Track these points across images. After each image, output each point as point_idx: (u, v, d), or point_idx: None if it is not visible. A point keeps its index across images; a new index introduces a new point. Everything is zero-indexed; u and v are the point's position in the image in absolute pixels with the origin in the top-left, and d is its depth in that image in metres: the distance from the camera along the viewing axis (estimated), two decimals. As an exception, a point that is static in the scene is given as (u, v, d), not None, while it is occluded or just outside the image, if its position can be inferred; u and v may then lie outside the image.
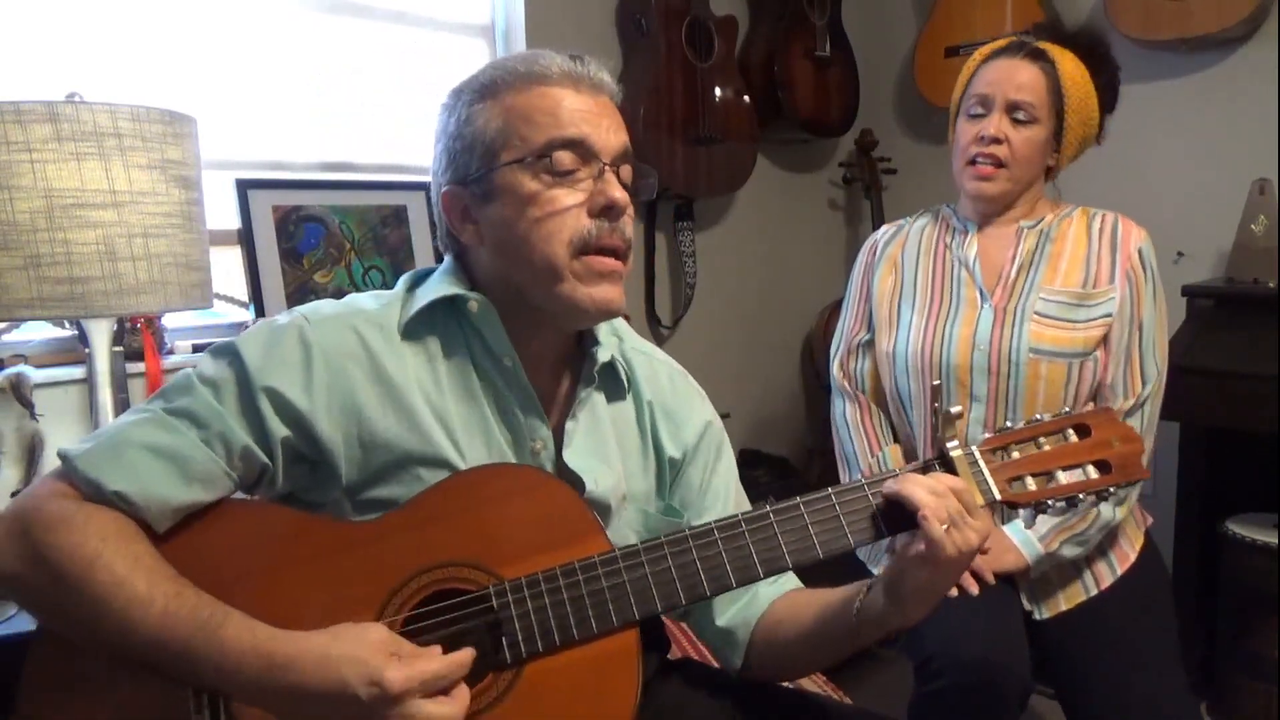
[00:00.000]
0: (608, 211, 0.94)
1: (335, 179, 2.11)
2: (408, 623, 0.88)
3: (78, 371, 1.68)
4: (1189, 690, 1.44)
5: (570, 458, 1.00)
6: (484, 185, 0.96)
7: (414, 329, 0.99)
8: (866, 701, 1.23)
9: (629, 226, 0.97)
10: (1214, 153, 2.43)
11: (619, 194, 0.94)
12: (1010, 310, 1.52)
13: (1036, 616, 1.50)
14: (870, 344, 1.67)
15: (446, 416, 0.96)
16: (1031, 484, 0.95)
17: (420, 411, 0.95)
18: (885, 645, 1.03)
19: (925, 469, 0.94)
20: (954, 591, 1.39)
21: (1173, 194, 2.49)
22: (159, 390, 0.96)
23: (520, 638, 0.87)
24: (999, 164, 1.51)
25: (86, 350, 1.52)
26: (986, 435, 0.98)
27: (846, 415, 1.68)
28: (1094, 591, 1.50)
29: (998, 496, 0.93)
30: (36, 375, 1.62)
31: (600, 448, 1.03)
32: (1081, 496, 0.95)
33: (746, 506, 1.14)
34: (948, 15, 2.71)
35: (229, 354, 0.94)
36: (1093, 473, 0.95)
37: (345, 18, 2.13)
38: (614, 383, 1.07)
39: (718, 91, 2.51)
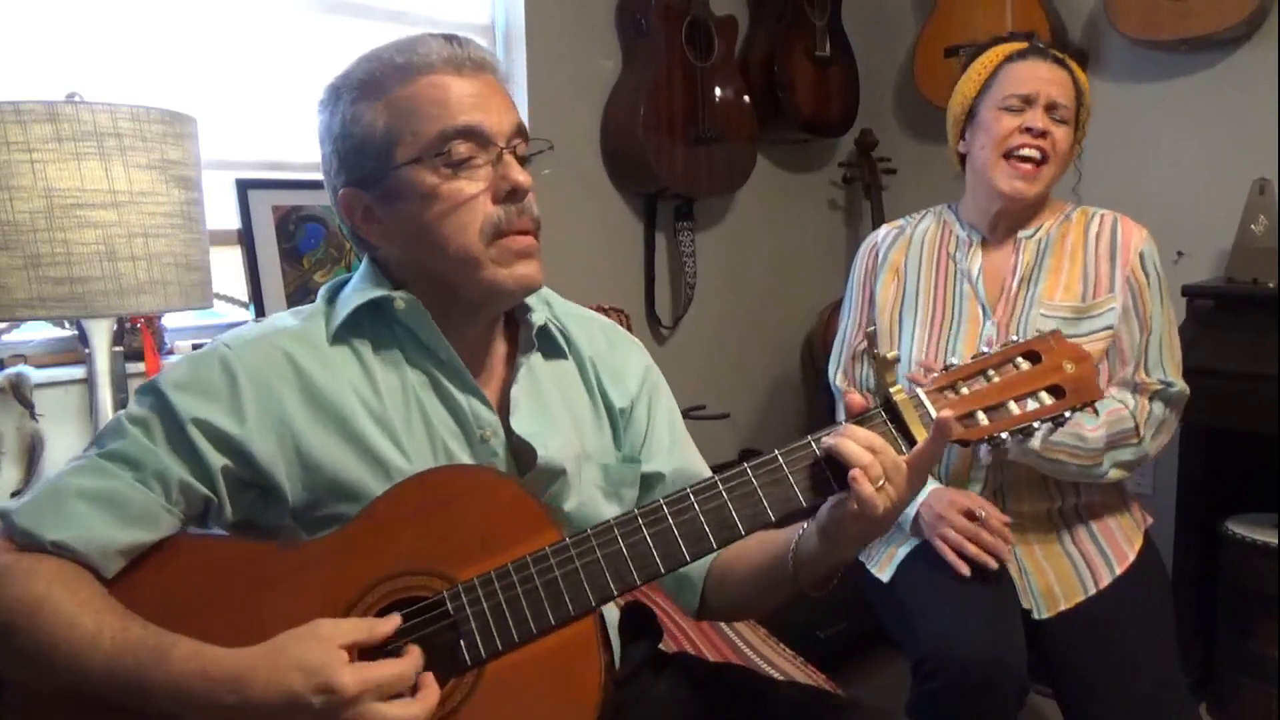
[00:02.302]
0: (512, 195, 0.94)
1: (335, 179, 2.11)
2: None
3: (78, 371, 1.68)
4: (1188, 690, 1.44)
5: (518, 424, 1.00)
6: (383, 185, 0.95)
7: (342, 337, 0.98)
8: (865, 700, 1.23)
9: (535, 205, 0.96)
10: (1214, 153, 2.43)
11: (521, 176, 0.94)
12: (1012, 327, 1.51)
13: (1035, 616, 1.50)
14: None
15: (387, 421, 0.95)
16: (984, 419, 0.91)
17: (359, 421, 0.94)
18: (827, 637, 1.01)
19: (869, 417, 0.92)
20: (965, 570, 1.40)
21: (1173, 194, 2.48)
22: (94, 437, 0.95)
23: (478, 638, 0.86)
24: (1041, 161, 1.50)
25: (86, 350, 1.52)
26: (934, 375, 0.95)
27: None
28: (1092, 591, 1.50)
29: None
30: (36, 375, 1.62)
31: (545, 411, 1.03)
32: (1037, 425, 0.92)
33: (689, 443, 1.15)
34: (948, 15, 2.71)
35: (152, 392, 0.94)
36: (1046, 399, 0.92)
37: (345, 18, 2.13)
38: (551, 345, 1.07)
39: (718, 91, 2.51)
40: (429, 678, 0.84)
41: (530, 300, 1.04)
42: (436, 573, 0.89)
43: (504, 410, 1.01)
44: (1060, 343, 0.95)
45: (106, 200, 1.31)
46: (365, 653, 0.83)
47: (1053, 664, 1.49)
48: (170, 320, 1.84)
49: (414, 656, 0.83)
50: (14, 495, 1.60)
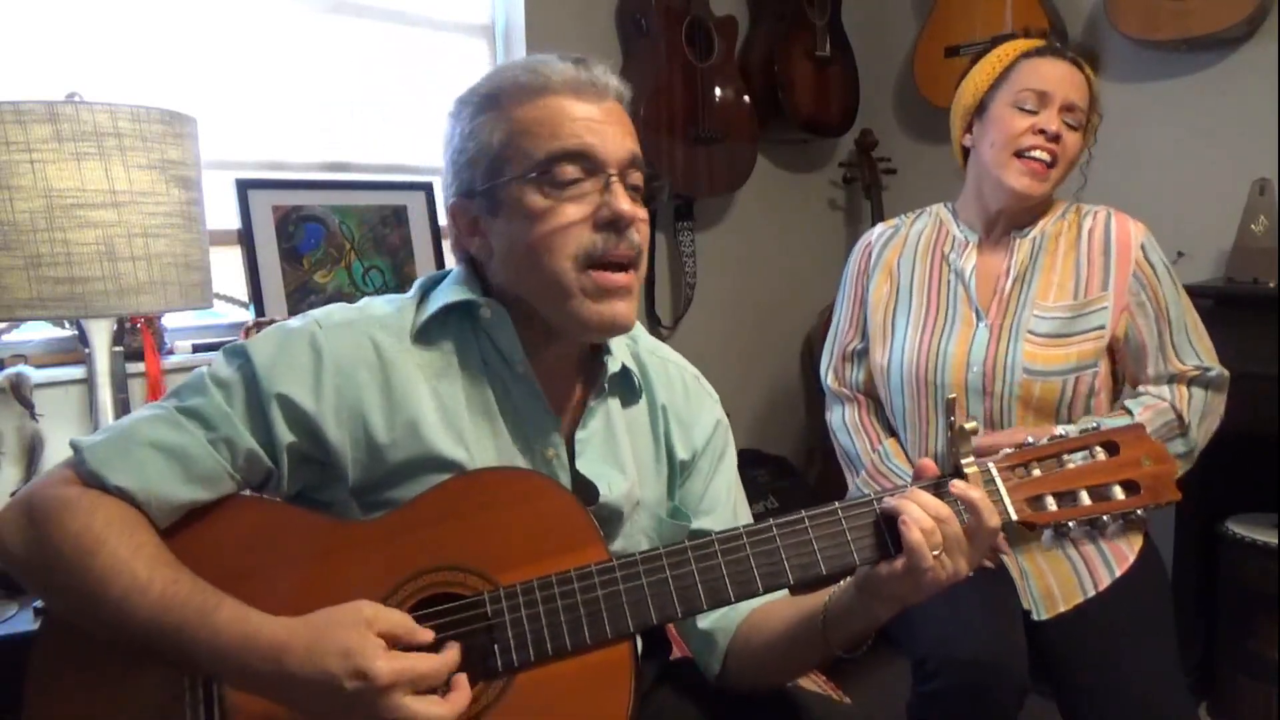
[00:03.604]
0: (613, 224, 0.93)
1: (335, 179, 2.12)
2: None
3: (78, 371, 1.68)
4: (1188, 691, 1.43)
5: (584, 466, 1.00)
6: (490, 199, 0.96)
7: (427, 334, 0.99)
8: (866, 701, 1.22)
9: (638, 234, 0.95)
10: (1214, 153, 2.43)
11: (625, 205, 0.92)
12: (1005, 328, 1.51)
13: (1035, 617, 1.50)
14: (864, 352, 1.66)
15: (458, 421, 0.96)
16: (1052, 504, 0.91)
17: (430, 417, 0.95)
18: (851, 653, 0.99)
19: (938, 486, 0.91)
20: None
21: (1173, 194, 2.48)
22: (174, 389, 0.97)
23: (513, 645, 0.87)
24: (1051, 162, 1.48)
25: (86, 350, 1.52)
26: (1007, 451, 0.93)
27: (846, 419, 1.67)
28: (1092, 592, 1.50)
29: (1014, 517, 0.90)
30: (36, 375, 1.62)
31: (615, 454, 1.03)
32: (1106, 519, 0.91)
33: (744, 505, 1.15)
34: (948, 15, 2.71)
35: (241, 357, 0.95)
36: (1119, 494, 0.91)
37: (345, 18, 2.13)
38: (627, 389, 1.06)
39: (718, 91, 2.51)
40: (461, 679, 0.84)
41: (612, 340, 1.03)
42: (479, 572, 0.89)
43: (571, 451, 1.01)
44: (1142, 437, 0.94)
45: (106, 200, 1.31)
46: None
47: (1052, 665, 1.48)
48: (170, 320, 1.84)
49: (451, 654, 0.84)
50: (14, 495, 1.59)
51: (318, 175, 2.10)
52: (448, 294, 0.99)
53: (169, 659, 0.84)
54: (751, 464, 2.69)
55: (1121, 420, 1.46)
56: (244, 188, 1.94)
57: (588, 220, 0.92)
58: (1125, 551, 1.53)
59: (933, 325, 1.56)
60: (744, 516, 1.14)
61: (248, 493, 0.96)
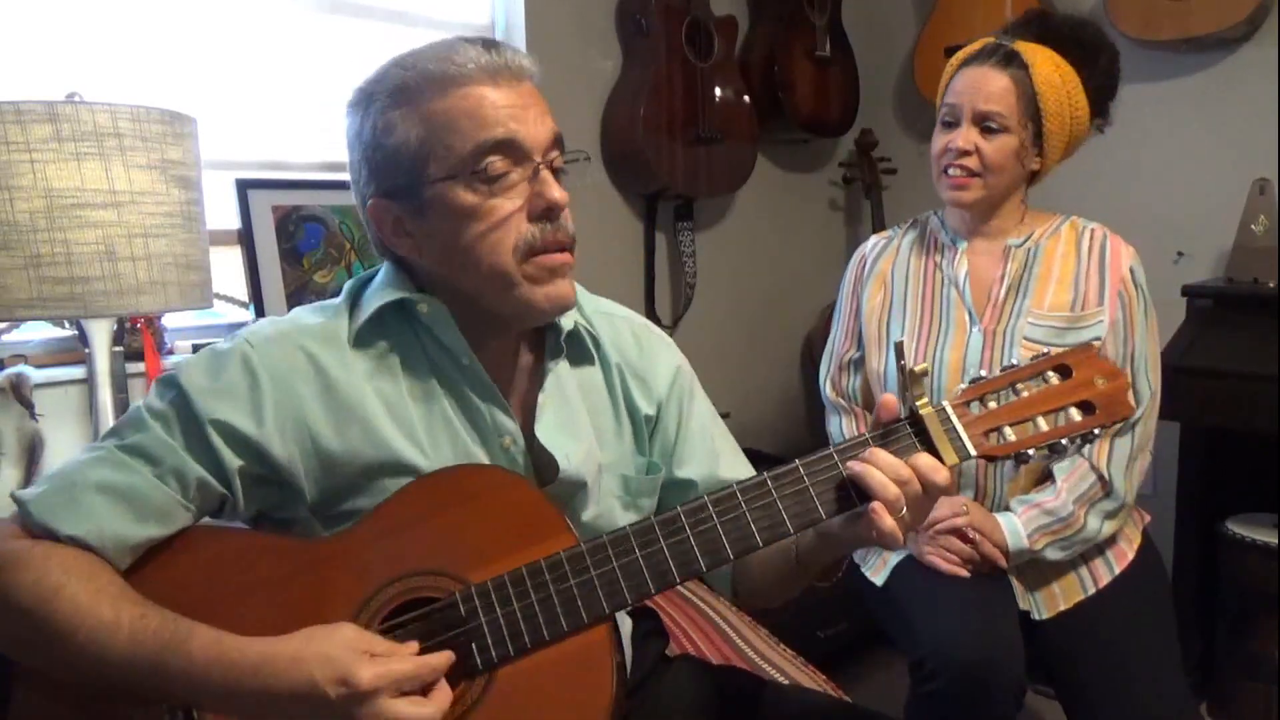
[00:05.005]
0: (547, 213, 0.92)
1: (335, 179, 2.12)
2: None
3: (78, 371, 1.68)
4: (1188, 690, 1.44)
5: (542, 434, 0.98)
6: (415, 200, 0.92)
7: (365, 337, 0.96)
8: (865, 701, 1.23)
9: (570, 221, 0.94)
10: (1214, 153, 2.43)
11: (556, 194, 0.92)
12: (999, 333, 1.51)
13: (1035, 616, 1.50)
14: (861, 361, 1.66)
15: (409, 421, 0.95)
16: (1011, 434, 0.89)
17: (379, 420, 0.93)
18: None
19: (894, 431, 0.90)
20: (965, 573, 1.41)
21: (1173, 194, 2.49)
22: (112, 427, 0.94)
23: (490, 642, 0.86)
24: (972, 173, 1.51)
25: (86, 350, 1.52)
26: (961, 387, 0.92)
27: (844, 429, 1.67)
28: (1092, 591, 1.50)
29: (973, 453, 0.88)
30: (36, 375, 1.62)
31: (569, 421, 1.01)
32: (1065, 442, 0.89)
33: (727, 442, 1.14)
34: (948, 15, 2.71)
35: (173, 387, 0.92)
36: (1076, 415, 0.89)
37: (345, 18, 2.13)
38: (579, 350, 1.05)
39: (718, 91, 2.51)
40: (440, 679, 0.84)
41: None
42: (449, 574, 0.88)
43: (527, 419, 1.00)
44: (1092, 357, 0.91)
45: (106, 200, 1.31)
46: None
47: (1053, 664, 1.48)
48: (170, 320, 1.84)
49: (438, 657, 0.83)
50: (14, 495, 1.59)
51: (318, 175, 2.10)
52: (381, 295, 0.97)
53: (147, 693, 0.82)
54: (751, 463, 2.68)
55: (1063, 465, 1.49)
56: (244, 188, 1.94)
57: (522, 212, 0.91)
58: (1125, 550, 1.54)
59: (928, 332, 1.56)
60: (728, 455, 1.13)
61: (207, 521, 0.93)
